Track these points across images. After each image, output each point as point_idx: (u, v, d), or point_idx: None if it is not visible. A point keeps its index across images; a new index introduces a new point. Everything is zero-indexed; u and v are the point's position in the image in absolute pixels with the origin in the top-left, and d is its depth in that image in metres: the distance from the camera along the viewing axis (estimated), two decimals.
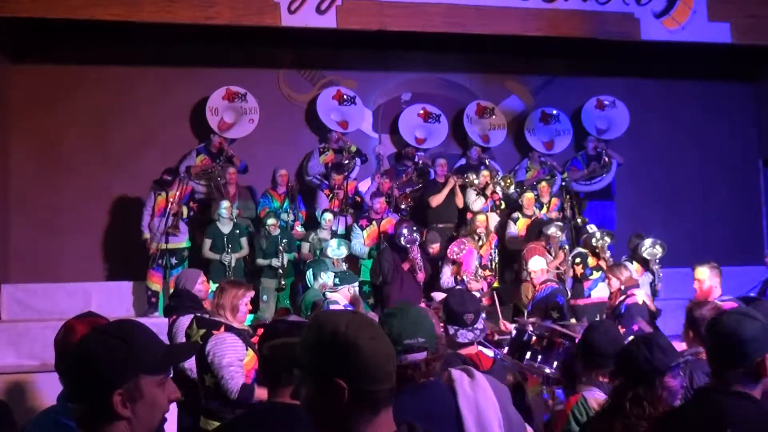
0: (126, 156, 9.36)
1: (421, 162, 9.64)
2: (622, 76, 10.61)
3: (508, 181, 9.24)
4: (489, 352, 3.65)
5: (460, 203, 9.04)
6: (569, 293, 7.61)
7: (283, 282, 8.17)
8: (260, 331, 3.91)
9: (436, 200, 8.94)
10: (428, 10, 8.78)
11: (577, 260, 7.77)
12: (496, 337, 5.54)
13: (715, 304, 3.96)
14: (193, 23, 8.35)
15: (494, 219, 8.94)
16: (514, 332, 5.26)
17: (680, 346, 3.61)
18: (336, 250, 7.71)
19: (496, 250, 8.59)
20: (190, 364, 4.34)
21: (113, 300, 8.57)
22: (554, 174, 9.90)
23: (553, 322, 5.65)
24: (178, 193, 8.42)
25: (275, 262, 8.18)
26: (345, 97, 9.94)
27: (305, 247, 8.42)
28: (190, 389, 4.29)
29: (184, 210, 8.55)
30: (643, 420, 2.63)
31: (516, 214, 8.89)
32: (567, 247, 8.25)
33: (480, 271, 7.98)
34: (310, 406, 1.56)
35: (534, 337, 4.94)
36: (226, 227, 8.32)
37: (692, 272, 5.46)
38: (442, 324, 3.24)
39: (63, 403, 2.30)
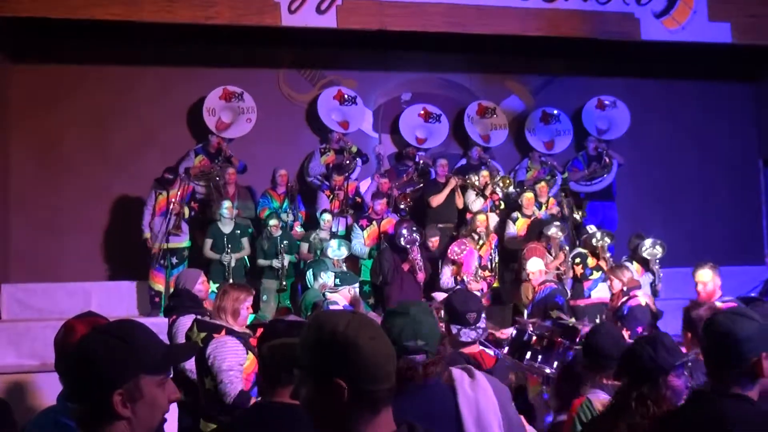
0: (126, 156, 9.35)
1: (422, 162, 9.63)
2: (622, 76, 10.59)
3: (507, 181, 9.24)
4: (491, 352, 3.66)
5: (460, 203, 9.03)
6: (569, 293, 7.60)
7: (284, 283, 8.17)
8: (260, 330, 3.91)
9: (437, 200, 8.93)
10: (428, 9, 8.77)
11: (577, 260, 7.76)
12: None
13: (712, 305, 3.96)
14: (193, 23, 8.35)
15: (494, 219, 8.94)
16: (514, 332, 5.26)
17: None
18: (336, 250, 7.70)
19: (496, 251, 8.58)
20: (191, 365, 4.34)
21: (113, 300, 8.56)
22: (555, 174, 9.89)
23: (553, 322, 5.64)
24: (179, 193, 8.41)
25: (276, 264, 8.18)
26: (346, 97, 9.92)
27: (305, 247, 8.41)
28: (191, 390, 4.29)
29: (186, 210, 8.54)
30: (648, 419, 2.63)
31: (515, 214, 8.87)
32: (567, 247, 8.25)
33: (480, 271, 7.98)
34: (310, 406, 1.56)
35: (534, 337, 4.95)
36: (226, 227, 8.32)
37: (692, 274, 5.43)
38: (442, 324, 3.24)
39: (63, 402, 2.30)
